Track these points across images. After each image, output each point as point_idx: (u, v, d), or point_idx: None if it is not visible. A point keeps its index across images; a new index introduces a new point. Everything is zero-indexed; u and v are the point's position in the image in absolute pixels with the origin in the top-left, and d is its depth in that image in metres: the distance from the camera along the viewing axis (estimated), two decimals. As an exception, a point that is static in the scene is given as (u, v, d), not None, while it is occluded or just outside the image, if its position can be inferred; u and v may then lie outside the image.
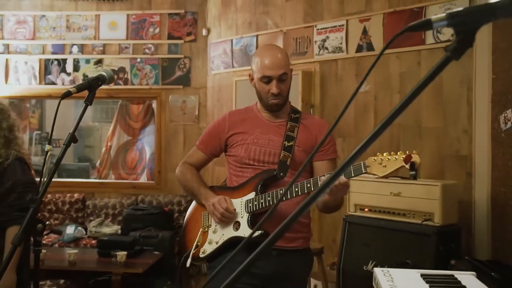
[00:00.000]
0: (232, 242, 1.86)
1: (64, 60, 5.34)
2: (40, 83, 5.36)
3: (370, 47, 3.66)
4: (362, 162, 1.63)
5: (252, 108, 2.04)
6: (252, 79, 1.96)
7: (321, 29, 3.96)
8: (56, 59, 5.35)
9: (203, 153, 2.05)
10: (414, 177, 1.49)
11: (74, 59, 5.33)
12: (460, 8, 0.67)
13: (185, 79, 5.21)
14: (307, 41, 4.06)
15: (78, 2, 5.34)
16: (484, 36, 2.94)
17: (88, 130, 7.88)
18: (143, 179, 5.91)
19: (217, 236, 1.91)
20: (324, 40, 3.94)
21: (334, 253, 3.57)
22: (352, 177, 1.64)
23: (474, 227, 3.01)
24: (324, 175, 1.71)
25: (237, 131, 1.97)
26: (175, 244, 4.49)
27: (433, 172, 3.25)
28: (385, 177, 1.60)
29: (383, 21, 3.59)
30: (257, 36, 4.44)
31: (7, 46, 5.39)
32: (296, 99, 3.80)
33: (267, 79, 1.87)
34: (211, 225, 1.95)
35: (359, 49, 3.73)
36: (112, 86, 4.97)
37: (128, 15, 5.27)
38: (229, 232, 1.87)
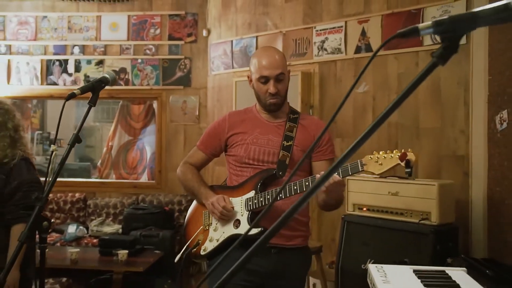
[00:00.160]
0: (233, 240, 1.90)
1: (66, 61, 5.38)
2: (41, 83, 5.41)
3: (368, 48, 3.70)
4: (359, 160, 1.68)
5: (251, 109, 2.08)
6: (250, 81, 2.00)
7: (320, 30, 4.00)
8: (57, 60, 5.39)
9: (203, 153, 2.09)
10: (410, 174, 1.53)
11: (76, 60, 5.37)
12: (445, 17, 0.71)
13: (186, 80, 5.25)
14: (306, 42, 4.10)
15: (80, 3, 5.38)
16: (480, 38, 2.97)
17: (89, 130, 7.93)
18: (143, 178, 5.96)
19: (217, 234, 1.95)
20: (323, 41, 3.98)
21: (333, 252, 3.61)
22: (350, 175, 1.69)
23: (471, 226, 3.05)
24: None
25: (236, 131, 2.01)
26: (176, 243, 4.53)
27: (430, 172, 3.29)
28: (382, 174, 1.64)
29: (381, 22, 3.63)
30: (256, 37, 4.49)
31: (9, 47, 5.44)
32: (295, 100, 3.84)
33: (264, 79, 1.91)
34: (211, 223, 1.99)
35: (357, 50, 3.77)
36: (113, 86, 5.01)
37: (129, 16, 5.31)
38: (230, 230, 1.91)
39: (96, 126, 8.07)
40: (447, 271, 1.28)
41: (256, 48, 4.44)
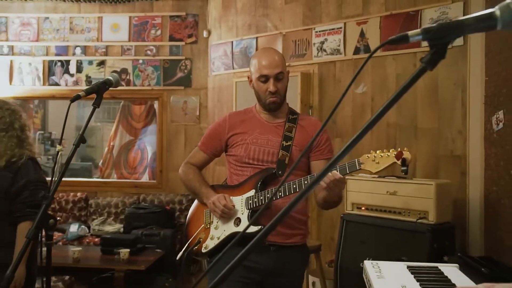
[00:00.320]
0: (233, 238, 1.93)
1: (68, 62, 5.43)
2: (43, 84, 5.45)
3: (367, 49, 3.74)
4: (356, 159, 1.72)
5: (251, 110, 2.12)
6: (250, 81, 2.04)
7: (319, 31, 4.04)
8: (59, 61, 5.44)
9: (204, 153, 2.14)
10: (406, 173, 1.57)
11: (77, 61, 5.42)
12: (434, 25, 0.75)
13: (186, 80, 5.30)
14: (306, 43, 4.14)
15: (81, 4, 5.43)
16: (477, 39, 3.01)
17: (90, 130, 7.96)
18: (145, 178, 6.01)
19: (218, 232, 1.99)
20: (322, 42, 4.02)
21: (332, 251, 3.65)
22: (347, 173, 1.73)
23: (468, 225, 3.09)
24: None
25: (237, 131, 2.05)
26: (177, 242, 4.58)
27: (428, 171, 3.34)
28: (378, 173, 1.68)
29: (380, 24, 3.67)
30: (256, 38, 4.53)
31: (11, 48, 5.49)
32: (295, 100, 3.87)
33: (264, 78, 1.96)
34: (213, 221, 2.03)
35: (356, 51, 3.81)
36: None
37: (130, 17, 5.36)
38: (230, 228, 1.96)
39: (97, 126, 8.11)
40: (439, 267, 1.32)
41: (256, 49, 4.49)
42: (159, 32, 5.32)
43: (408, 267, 1.31)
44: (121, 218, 5.02)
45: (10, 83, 5.47)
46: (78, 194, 5.23)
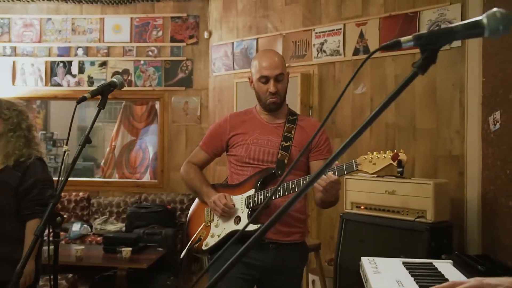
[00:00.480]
0: (233, 236, 1.98)
1: (70, 62, 5.47)
2: (46, 84, 5.50)
3: (366, 50, 3.78)
4: (353, 160, 1.76)
5: (251, 110, 2.16)
6: (251, 82, 2.09)
7: (319, 32, 4.09)
8: (61, 61, 5.48)
9: (205, 153, 2.18)
10: (401, 173, 1.62)
11: (79, 61, 5.46)
12: (425, 31, 0.79)
13: (187, 81, 5.34)
14: (305, 44, 4.18)
15: (83, 5, 5.47)
16: (475, 41, 3.05)
17: (92, 130, 7.99)
18: (146, 178, 6.05)
19: (219, 230, 2.03)
20: (322, 44, 4.06)
21: (331, 249, 3.69)
22: (345, 174, 1.77)
23: (466, 224, 3.13)
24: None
25: (237, 132, 2.10)
26: (178, 241, 4.62)
27: (427, 171, 3.38)
28: (375, 174, 1.73)
29: (379, 25, 3.71)
30: (257, 39, 4.57)
31: (14, 49, 5.53)
32: (295, 101, 3.91)
33: (265, 79, 2.00)
34: (213, 220, 2.08)
35: (356, 52, 3.85)
36: (116, 87, 5.10)
37: (132, 18, 5.40)
38: (230, 226, 2.00)
39: (98, 126, 8.15)
40: (434, 263, 1.37)
41: (257, 50, 4.53)
42: (160, 33, 5.37)
43: (403, 263, 1.35)
44: (123, 217, 5.06)
45: (13, 84, 5.51)
46: (80, 193, 5.28)
